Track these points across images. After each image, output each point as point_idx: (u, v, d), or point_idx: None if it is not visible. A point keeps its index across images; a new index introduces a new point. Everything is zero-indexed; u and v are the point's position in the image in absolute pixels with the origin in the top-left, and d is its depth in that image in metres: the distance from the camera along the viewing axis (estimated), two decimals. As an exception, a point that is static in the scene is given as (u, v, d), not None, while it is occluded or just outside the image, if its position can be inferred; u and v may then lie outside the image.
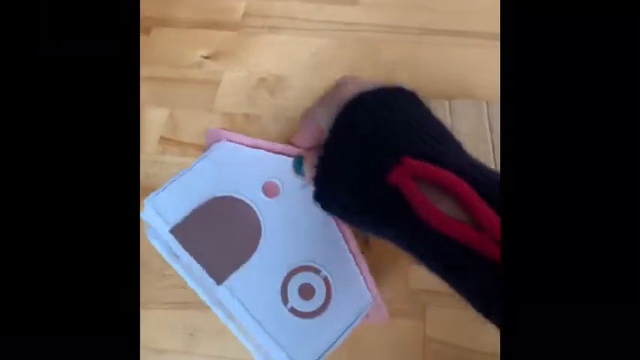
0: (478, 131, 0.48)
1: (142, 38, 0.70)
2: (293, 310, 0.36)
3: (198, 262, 0.39)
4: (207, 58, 0.71)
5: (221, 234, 0.40)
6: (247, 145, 0.47)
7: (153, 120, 0.64)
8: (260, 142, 0.46)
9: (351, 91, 0.31)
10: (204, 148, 0.50)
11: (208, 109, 0.65)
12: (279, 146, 0.46)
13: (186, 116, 0.65)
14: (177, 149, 0.62)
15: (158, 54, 0.70)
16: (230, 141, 0.47)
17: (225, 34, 0.71)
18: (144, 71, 0.68)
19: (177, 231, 0.41)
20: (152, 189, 0.58)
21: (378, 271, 0.51)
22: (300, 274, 0.37)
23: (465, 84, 0.66)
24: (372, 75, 0.68)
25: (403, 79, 0.67)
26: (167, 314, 0.49)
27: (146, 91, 0.67)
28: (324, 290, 0.37)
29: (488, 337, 0.46)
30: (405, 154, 0.25)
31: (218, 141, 0.48)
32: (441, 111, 0.51)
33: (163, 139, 0.63)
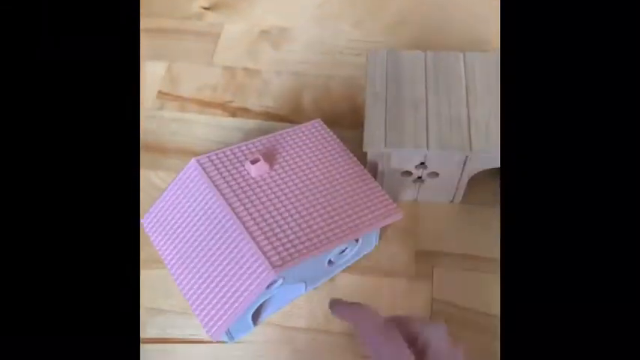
0: (493, 82, 0.46)
1: (139, -12, 0.67)
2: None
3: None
4: (207, 9, 0.67)
5: None
6: None
7: (151, 74, 0.62)
8: None
9: None
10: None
11: (208, 62, 0.63)
12: None
13: (185, 70, 0.62)
14: (176, 104, 0.59)
15: (156, 4, 0.67)
16: None
17: (225, -17, 0.68)
18: (141, 22, 0.65)
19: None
20: (151, 146, 0.57)
21: (386, 234, 0.50)
22: None
23: (476, 35, 0.63)
24: (379, 28, 0.64)
25: (411, 31, 0.65)
26: (166, 274, 0.48)
27: (144, 44, 0.64)
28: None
29: (494, 298, 0.45)
30: None
31: None
32: (455, 62, 0.49)
33: (162, 94, 0.60)
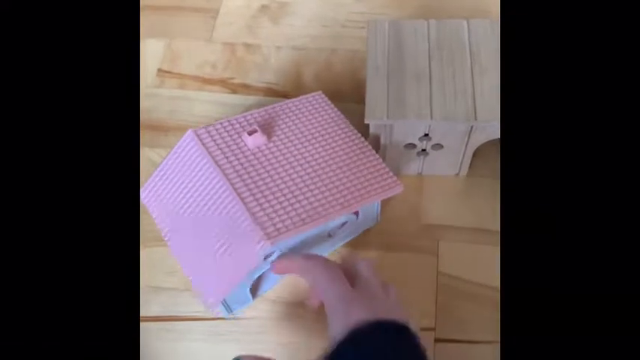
0: (498, 50, 0.45)
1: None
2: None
3: None
4: (205, -16, 0.66)
5: None
6: None
7: (150, 51, 0.61)
8: None
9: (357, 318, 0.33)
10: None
11: (207, 39, 0.61)
12: None
13: (184, 47, 0.61)
14: (176, 81, 0.58)
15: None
16: None
17: (223, -43, 0.66)
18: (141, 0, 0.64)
19: None
20: (151, 124, 0.56)
21: (389, 205, 0.49)
22: None
23: (478, 6, 0.61)
24: (381, 0, 0.63)
25: (414, 3, 0.63)
26: (168, 252, 0.47)
27: (143, 21, 0.63)
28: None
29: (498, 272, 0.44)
30: None
31: None
32: (459, 30, 0.47)
33: (161, 72, 0.59)
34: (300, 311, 0.45)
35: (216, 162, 0.40)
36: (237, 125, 0.44)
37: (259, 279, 0.44)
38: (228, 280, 0.38)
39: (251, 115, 0.45)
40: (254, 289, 0.45)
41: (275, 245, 0.37)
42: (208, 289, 0.39)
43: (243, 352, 0.43)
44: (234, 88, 0.58)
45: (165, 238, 0.42)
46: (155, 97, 0.57)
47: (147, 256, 0.48)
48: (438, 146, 0.46)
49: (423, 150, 0.47)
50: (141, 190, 0.45)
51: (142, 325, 0.45)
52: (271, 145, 0.43)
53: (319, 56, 0.59)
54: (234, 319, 0.45)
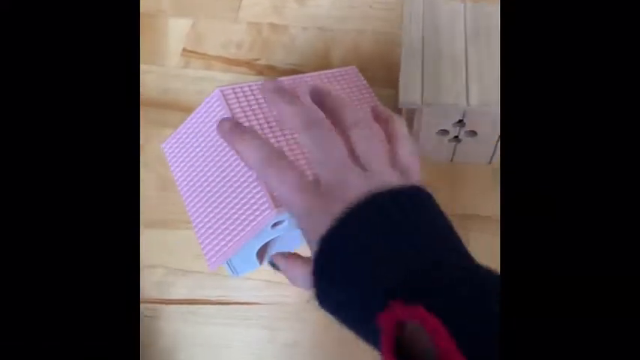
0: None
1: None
2: None
3: None
4: (230, -38, 0.65)
5: None
6: None
7: (175, 31, 0.60)
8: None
9: (354, 191, 0.28)
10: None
11: (233, 18, 0.60)
12: None
13: (209, 27, 0.60)
14: (201, 62, 0.58)
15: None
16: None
17: None
18: (163, -22, 0.62)
19: None
20: (176, 105, 0.55)
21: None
22: None
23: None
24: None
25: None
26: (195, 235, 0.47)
27: (168, 0, 0.62)
28: None
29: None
30: (393, 295, 0.25)
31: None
32: (496, 14, 0.46)
33: (186, 51, 0.58)
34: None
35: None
36: None
37: (269, 245, 0.44)
38: (233, 243, 0.38)
39: (280, 81, 0.44)
40: (262, 255, 0.44)
41: (283, 214, 0.36)
42: (212, 249, 0.39)
43: (269, 338, 0.43)
44: (260, 70, 0.57)
45: (181, 193, 0.42)
46: (180, 77, 0.57)
47: (173, 238, 0.48)
48: (472, 133, 0.45)
49: (456, 137, 0.46)
50: (164, 143, 0.44)
51: (168, 308, 0.45)
52: None
53: (346, 38, 0.58)
54: (261, 304, 0.45)
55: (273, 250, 0.44)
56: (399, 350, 0.25)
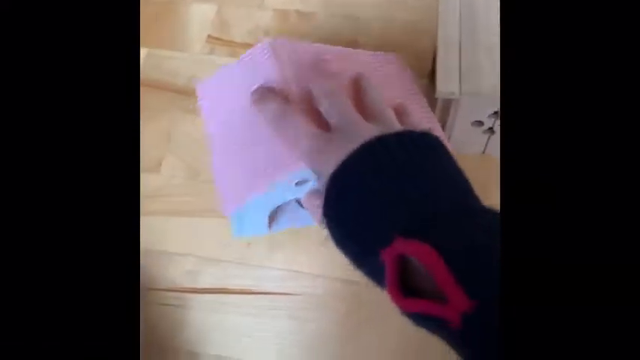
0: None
1: None
2: None
3: None
4: (256, -52, 0.64)
5: None
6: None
7: (199, 17, 0.59)
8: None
9: (363, 135, 0.30)
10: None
11: (259, 5, 0.59)
12: None
13: (235, 13, 0.59)
14: (227, 49, 0.57)
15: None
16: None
17: None
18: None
19: None
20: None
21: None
22: None
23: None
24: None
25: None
26: (224, 223, 0.46)
27: (192, -15, 0.61)
28: None
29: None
30: (398, 231, 0.27)
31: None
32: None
33: (211, 38, 0.57)
34: (355, 288, 0.44)
35: (284, 76, 0.37)
36: (314, 51, 0.41)
37: (280, 214, 0.43)
38: (250, 191, 0.37)
39: (327, 48, 0.42)
40: (272, 222, 0.44)
41: (303, 170, 0.35)
42: (230, 194, 0.38)
43: (295, 329, 0.43)
44: (287, 58, 0.56)
45: (210, 136, 0.41)
46: (206, 63, 0.56)
47: (200, 226, 0.47)
48: (507, 125, 0.44)
49: (490, 128, 0.45)
50: (200, 83, 0.44)
51: (194, 296, 0.45)
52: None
53: (375, 26, 0.57)
54: (287, 294, 0.44)
55: (283, 220, 0.43)
56: (403, 285, 0.27)
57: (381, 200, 0.28)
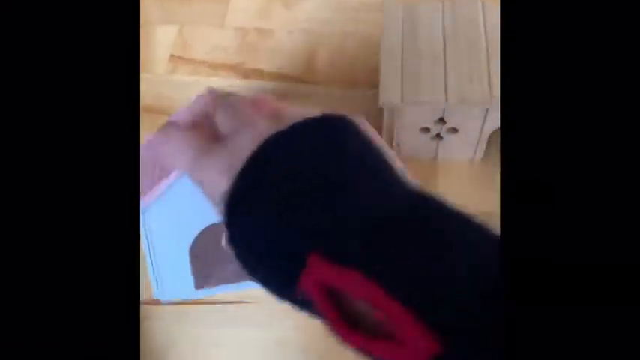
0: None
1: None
2: None
3: None
4: (216, -31, 0.66)
5: None
6: None
7: (162, 38, 0.61)
8: None
9: (260, 133, 0.25)
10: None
11: (219, 24, 0.61)
12: None
13: (196, 33, 0.61)
14: (189, 67, 0.58)
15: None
16: None
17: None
18: (150, -15, 0.63)
19: None
20: (163, 111, 0.56)
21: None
22: None
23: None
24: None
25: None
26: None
27: (153, 7, 0.63)
28: None
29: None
30: (314, 250, 0.22)
31: None
32: (474, 13, 0.46)
33: (174, 58, 0.59)
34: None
35: None
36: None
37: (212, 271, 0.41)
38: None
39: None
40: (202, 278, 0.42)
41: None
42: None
43: (260, 336, 0.44)
44: (247, 74, 0.57)
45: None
46: (169, 83, 0.57)
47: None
48: (453, 130, 0.46)
49: (438, 134, 0.46)
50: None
51: (159, 308, 0.46)
52: None
53: (332, 40, 0.59)
54: (251, 302, 0.45)
55: (213, 280, 0.40)
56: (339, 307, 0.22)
57: (285, 213, 0.23)
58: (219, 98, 0.30)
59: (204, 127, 0.28)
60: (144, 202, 0.33)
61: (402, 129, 0.45)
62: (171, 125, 0.29)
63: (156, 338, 0.45)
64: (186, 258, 0.37)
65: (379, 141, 0.27)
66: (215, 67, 0.58)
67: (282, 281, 0.24)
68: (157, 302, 0.46)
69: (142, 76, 0.58)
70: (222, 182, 0.24)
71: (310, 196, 0.23)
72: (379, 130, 0.48)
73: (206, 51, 0.59)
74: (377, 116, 0.46)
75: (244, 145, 0.24)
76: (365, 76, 0.55)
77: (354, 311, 0.22)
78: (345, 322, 0.22)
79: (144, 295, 0.46)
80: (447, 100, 0.42)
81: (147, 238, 0.37)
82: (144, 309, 0.46)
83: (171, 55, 0.59)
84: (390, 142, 0.47)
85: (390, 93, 0.43)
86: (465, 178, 0.49)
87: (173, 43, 0.60)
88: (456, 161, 0.49)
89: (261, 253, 0.24)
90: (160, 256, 0.37)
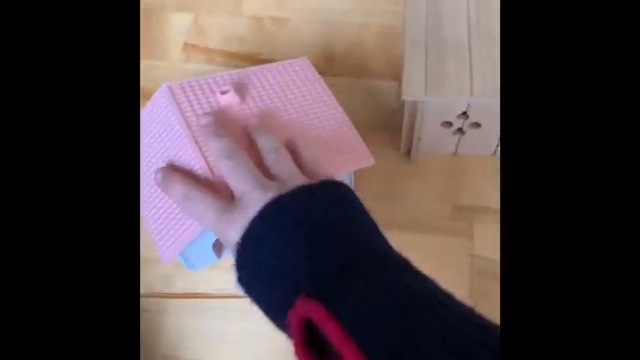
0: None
1: None
2: None
3: None
4: (232, -44, 0.64)
5: None
6: None
7: (176, 25, 0.60)
8: None
9: (260, 199, 0.31)
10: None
11: (234, 12, 0.60)
12: None
13: (211, 21, 0.60)
14: (203, 56, 0.57)
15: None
16: None
17: None
18: (165, -28, 0.62)
19: None
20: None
21: (421, 185, 0.48)
22: None
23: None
24: None
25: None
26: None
27: (169, -6, 0.62)
28: None
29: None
30: (303, 291, 0.28)
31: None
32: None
33: (188, 46, 0.58)
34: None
35: (185, 119, 0.39)
36: (213, 84, 0.42)
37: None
38: (184, 234, 0.37)
39: (229, 75, 0.43)
40: (220, 249, 0.44)
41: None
42: (164, 244, 0.39)
43: (272, 332, 0.43)
44: (262, 63, 0.56)
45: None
46: (182, 71, 0.56)
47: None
48: (476, 125, 0.45)
49: (460, 129, 0.45)
50: None
51: (172, 301, 0.45)
52: (244, 107, 0.41)
53: (350, 31, 0.58)
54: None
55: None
56: (313, 343, 0.26)
57: (281, 266, 0.29)
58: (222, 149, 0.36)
59: (222, 189, 0.35)
60: (185, 240, 0.37)
61: (423, 123, 0.44)
62: (193, 186, 0.35)
63: (168, 331, 0.44)
64: (210, 235, 0.39)
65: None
66: (230, 55, 0.57)
67: (277, 314, 0.30)
68: (169, 296, 0.45)
69: (156, 63, 0.57)
70: (234, 236, 0.31)
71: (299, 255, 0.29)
72: (398, 123, 0.47)
73: (221, 39, 0.58)
74: (394, 109, 0.45)
75: (251, 207, 0.31)
76: (383, 67, 0.54)
77: (321, 340, 0.26)
78: (307, 347, 0.26)
79: (157, 288, 0.46)
80: (471, 94, 0.41)
81: None
82: (157, 302, 0.45)
83: (185, 44, 0.58)
84: (409, 135, 0.46)
85: (413, 86, 0.42)
86: (484, 174, 0.48)
87: (188, 30, 0.59)
88: (476, 156, 0.48)
89: (259, 296, 0.31)
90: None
